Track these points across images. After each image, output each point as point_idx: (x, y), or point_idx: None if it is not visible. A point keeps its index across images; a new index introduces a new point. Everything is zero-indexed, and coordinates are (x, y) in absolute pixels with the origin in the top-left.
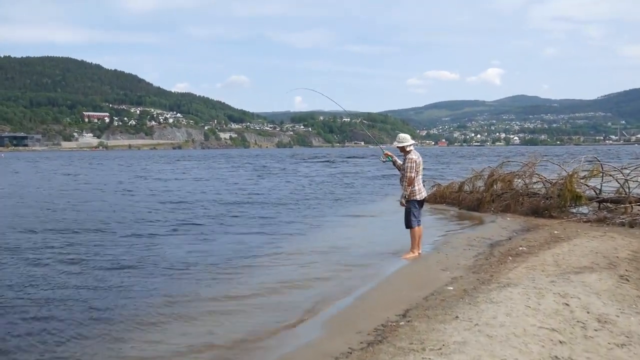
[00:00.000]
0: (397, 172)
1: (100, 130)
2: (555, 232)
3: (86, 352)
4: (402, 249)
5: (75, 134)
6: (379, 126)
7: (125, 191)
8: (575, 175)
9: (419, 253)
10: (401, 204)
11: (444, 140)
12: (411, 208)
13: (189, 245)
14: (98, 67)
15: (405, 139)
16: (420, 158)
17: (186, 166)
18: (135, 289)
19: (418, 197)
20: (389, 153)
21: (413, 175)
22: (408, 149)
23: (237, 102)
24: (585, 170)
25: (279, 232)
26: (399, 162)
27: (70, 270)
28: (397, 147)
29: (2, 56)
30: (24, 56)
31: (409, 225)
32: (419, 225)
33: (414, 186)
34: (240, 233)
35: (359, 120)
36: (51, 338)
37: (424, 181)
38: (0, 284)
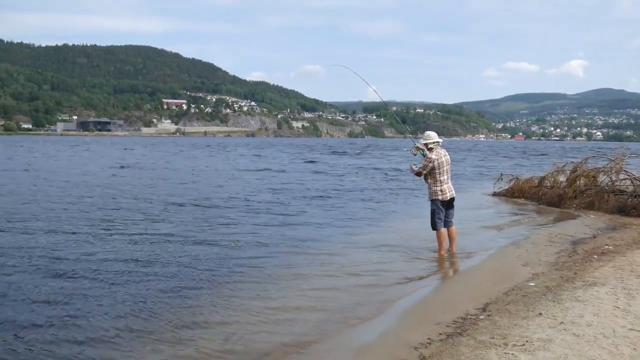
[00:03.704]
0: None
1: (177, 116)
2: None
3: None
4: (478, 246)
5: (154, 120)
6: (453, 118)
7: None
8: None
9: (443, 254)
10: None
11: (520, 133)
12: (435, 209)
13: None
14: (177, 55)
15: (429, 137)
16: (445, 157)
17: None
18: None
19: (441, 198)
20: (420, 146)
21: (424, 172)
22: (430, 147)
23: (310, 91)
24: None
25: (349, 224)
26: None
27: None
28: (423, 143)
29: (88, 45)
30: (109, 45)
31: (434, 227)
32: (450, 226)
33: (437, 186)
34: (317, 223)
35: (432, 111)
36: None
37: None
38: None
